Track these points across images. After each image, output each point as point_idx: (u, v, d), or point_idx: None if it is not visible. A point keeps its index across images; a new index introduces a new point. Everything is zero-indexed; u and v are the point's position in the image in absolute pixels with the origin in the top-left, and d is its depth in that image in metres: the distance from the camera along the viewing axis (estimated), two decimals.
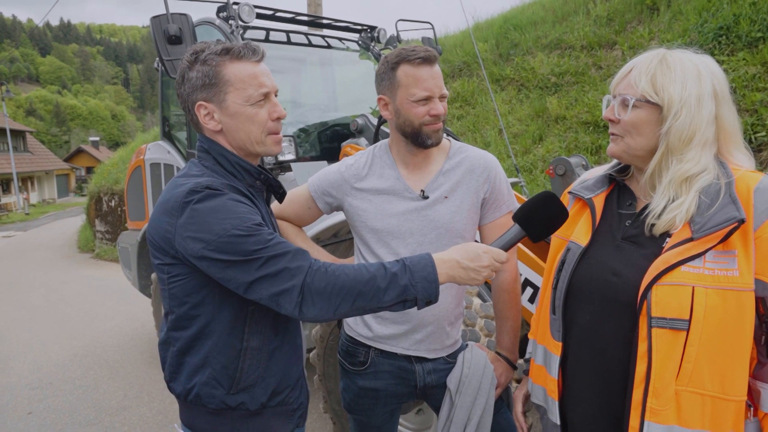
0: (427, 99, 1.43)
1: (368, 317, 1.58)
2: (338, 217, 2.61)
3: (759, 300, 1.02)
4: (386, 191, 1.54)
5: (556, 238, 1.33)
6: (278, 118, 1.23)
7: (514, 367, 1.61)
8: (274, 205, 1.59)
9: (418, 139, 1.47)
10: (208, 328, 1.19)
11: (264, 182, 1.29)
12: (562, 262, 1.25)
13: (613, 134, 1.19)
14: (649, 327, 1.04)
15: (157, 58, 4.15)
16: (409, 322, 1.52)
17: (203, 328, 1.19)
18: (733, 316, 0.99)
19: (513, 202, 1.59)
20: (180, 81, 1.21)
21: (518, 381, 1.96)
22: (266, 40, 3.58)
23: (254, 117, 1.20)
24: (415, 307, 1.13)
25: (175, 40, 2.87)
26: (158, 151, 4.19)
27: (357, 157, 1.62)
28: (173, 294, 1.19)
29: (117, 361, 4.77)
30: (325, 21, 3.92)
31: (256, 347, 1.23)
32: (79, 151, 49.40)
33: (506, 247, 1.20)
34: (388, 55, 1.47)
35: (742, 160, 1.10)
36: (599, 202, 1.25)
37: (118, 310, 6.56)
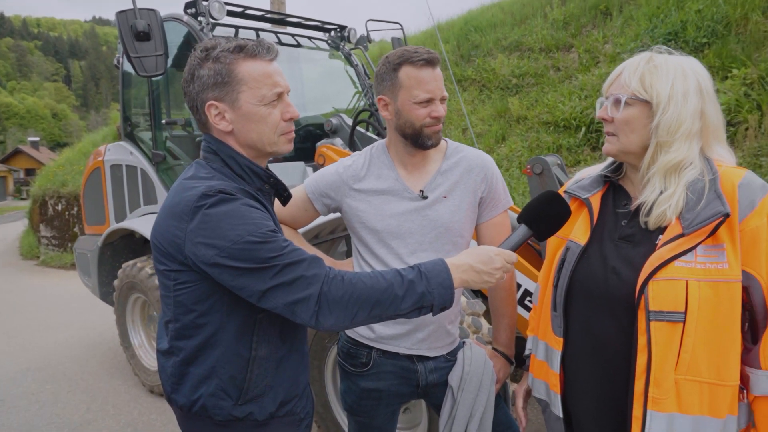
0: (429, 101, 1.44)
1: None
2: (319, 219, 2.58)
3: (743, 289, 1.09)
4: (385, 192, 1.54)
5: (554, 238, 1.37)
6: (291, 119, 1.21)
7: (511, 362, 1.65)
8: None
9: (418, 140, 1.49)
10: (216, 337, 1.16)
11: (273, 186, 1.26)
12: (563, 261, 1.29)
13: (608, 133, 1.24)
14: (648, 320, 1.09)
15: (118, 55, 3.99)
16: (411, 322, 1.53)
17: (210, 337, 1.16)
18: (725, 306, 1.06)
19: (508, 200, 1.63)
20: (189, 79, 1.17)
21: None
22: (235, 37, 3.50)
23: (267, 117, 1.17)
24: (430, 314, 1.14)
25: (144, 36, 2.77)
26: (120, 152, 4.01)
27: (354, 158, 1.62)
28: (179, 302, 1.15)
29: (76, 373, 4.53)
30: (294, 20, 3.88)
31: (265, 356, 1.20)
32: (17, 152, 46.50)
33: (515, 248, 1.23)
34: (390, 56, 1.47)
35: (724, 156, 1.18)
36: (596, 202, 1.30)
37: (72, 320, 6.23)
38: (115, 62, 3.99)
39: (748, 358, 1.10)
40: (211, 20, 3.09)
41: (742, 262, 1.07)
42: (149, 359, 3.90)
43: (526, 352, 1.53)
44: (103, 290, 4.30)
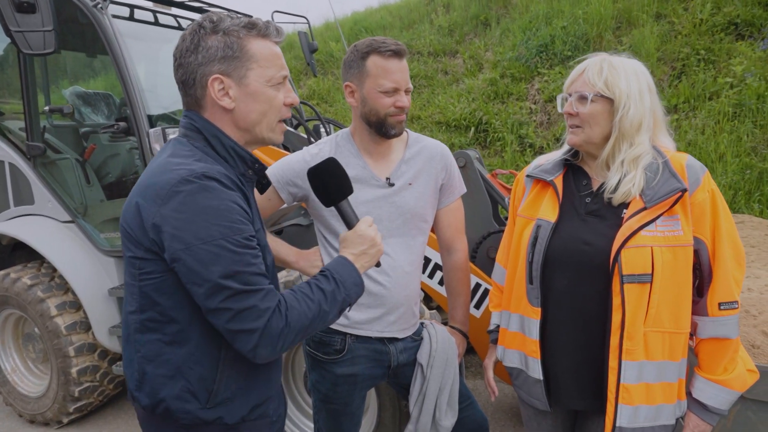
0: (394, 91, 1.49)
1: None
2: None
3: (693, 252, 1.30)
4: (354, 179, 1.53)
5: (520, 219, 1.49)
6: (291, 104, 1.16)
7: (466, 337, 1.75)
8: None
9: (382, 129, 1.52)
10: (183, 334, 1.06)
11: (257, 172, 1.18)
12: (535, 238, 1.41)
13: (572, 126, 1.39)
14: (622, 283, 1.25)
15: None
16: (384, 306, 1.56)
17: (177, 333, 1.06)
18: (682, 266, 1.26)
19: (462, 187, 1.73)
20: (192, 49, 1.06)
21: None
22: (131, 18, 3.17)
23: (273, 99, 1.12)
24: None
25: (28, 8, 2.39)
26: None
27: (320, 146, 1.61)
28: (144, 292, 1.05)
29: None
30: (196, 5, 3.62)
31: (236, 356, 1.11)
32: None
33: (356, 215, 1.25)
34: (358, 44, 1.50)
35: (667, 144, 1.39)
36: (559, 183, 1.44)
37: None
38: None
39: (696, 308, 1.31)
40: None
41: (693, 229, 1.27)
42: (27, 385, 3.34)
43: (491, 327, 1.63)
44: None
